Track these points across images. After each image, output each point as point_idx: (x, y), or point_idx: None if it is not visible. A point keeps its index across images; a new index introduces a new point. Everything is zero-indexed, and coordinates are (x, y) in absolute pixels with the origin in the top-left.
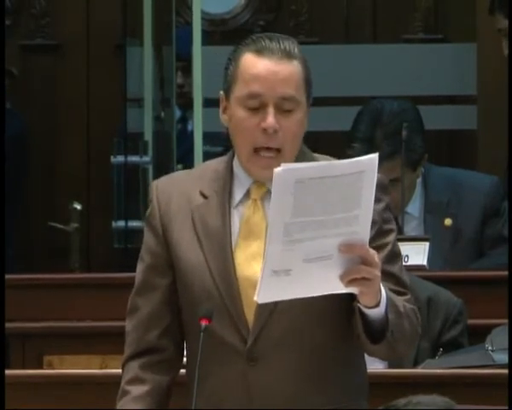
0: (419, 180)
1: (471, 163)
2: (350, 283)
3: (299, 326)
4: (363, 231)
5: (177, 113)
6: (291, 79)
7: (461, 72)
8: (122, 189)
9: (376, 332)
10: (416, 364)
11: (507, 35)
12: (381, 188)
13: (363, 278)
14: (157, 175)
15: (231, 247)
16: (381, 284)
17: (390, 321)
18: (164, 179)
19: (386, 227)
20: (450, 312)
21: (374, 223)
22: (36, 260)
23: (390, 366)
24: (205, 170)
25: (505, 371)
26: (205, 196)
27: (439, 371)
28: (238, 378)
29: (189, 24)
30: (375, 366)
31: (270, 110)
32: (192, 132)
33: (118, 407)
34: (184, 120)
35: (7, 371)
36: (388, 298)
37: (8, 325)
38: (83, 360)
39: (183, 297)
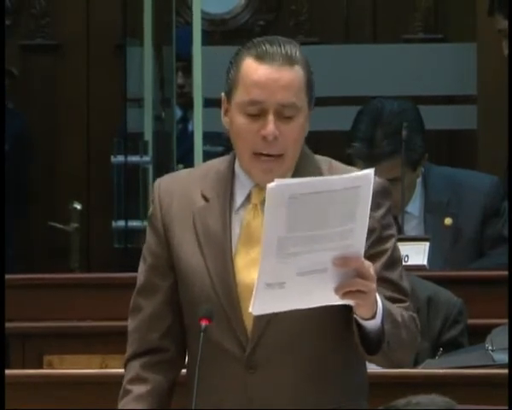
0: (419, 180)
1: (471, 163)
2: (345, 295)
3: (299, 333)
4: (357, 244)
5: (178, 113)
6: (292, 86)
7: (461, 72)
8: (122, 189)
9: (373, 343)
10: (416, 364)
11: (507, 36)
12: (382, 193)
13: (359, 291)
14: (157, 175)
15: (231, 252)
16: (378, 295)
17: (386, 332)
18: (166, 178)
19: (386, 233)
20: (450, 312)
21: (373, 230)
22: (36, 260)
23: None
24: (208, 170)
25: (505, 371)
26: (206, 199)
27: (439, 371)
28: (237, 386)
29: (189, 24)
30: (374, 365)
31: (270, 117)
32: (192, 132)
33: (119, 407)
34: (185, 120)
35: (7, 371)
36: (385, 309)
37: (8, 324)
38: (83, 360)
39: (184, 298)
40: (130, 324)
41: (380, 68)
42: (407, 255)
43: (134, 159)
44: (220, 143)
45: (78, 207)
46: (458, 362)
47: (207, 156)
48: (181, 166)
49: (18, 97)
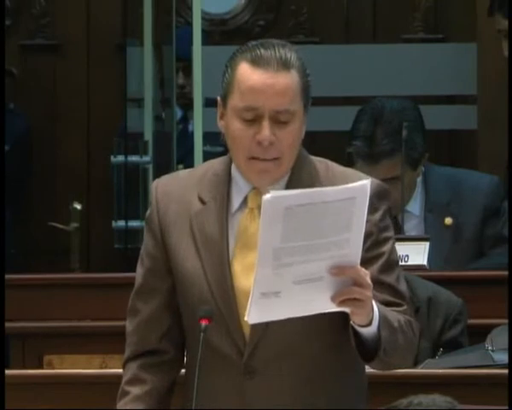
0: (419, 179)
1: (471, 163)
2: (341, 303)
3: (297, 338)
4: (354, 253)
5: (178, 113)
6: (287, 91)
7: (461, 72)
8: (122, 189)
9: (369, 350)
10: (416, 364)
11: (507, 36)
12: (379, 195)
13: (355, 299)
14: (157, 175)
15: (228, 256)
16: (374, 302)
17: (383, 338)
18: (164, 180)
19: (383, 236)
20: (450, 311)
21: (369, 234)
22: (36, 260)
23: None
24: (205, 171)
25: (505, 371)
26: (203, 202)
27: (439, 371)
28: (235, 392)
29: (189, 24)
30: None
31: (266, 123)
32: (192, 132)
33: (118, 408)
34: (185, 120)
35: (7, 371)
36: (381, 316)
37: (8, 324)
38: (83, 360)
39: (182, 300)
40: (128, 326)
41: (380, 68)
42: (407, 255)
43: (134, 159)
44: (220, 143)
45: (78, 207)
46: (458, 362)
47: (207, 156)
48: (181, 166)
49: (18, 97)
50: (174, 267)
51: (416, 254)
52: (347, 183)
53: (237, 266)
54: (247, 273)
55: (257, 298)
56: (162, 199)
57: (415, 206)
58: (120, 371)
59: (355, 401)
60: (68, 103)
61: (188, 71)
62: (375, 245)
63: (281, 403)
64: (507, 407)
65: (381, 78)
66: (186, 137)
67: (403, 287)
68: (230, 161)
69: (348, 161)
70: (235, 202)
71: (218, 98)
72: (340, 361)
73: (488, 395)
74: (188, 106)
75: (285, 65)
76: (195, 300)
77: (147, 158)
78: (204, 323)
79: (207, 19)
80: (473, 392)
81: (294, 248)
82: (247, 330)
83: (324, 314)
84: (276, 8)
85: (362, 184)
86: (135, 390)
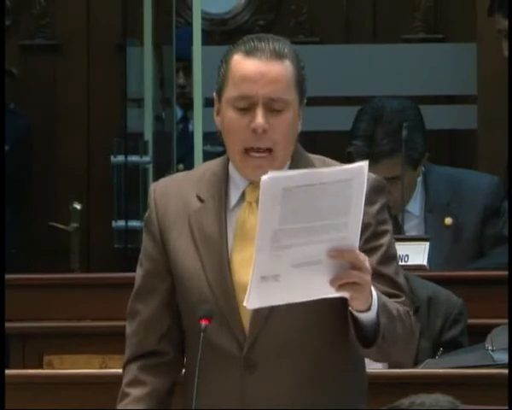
0: (420, 179)
1: (471, 163)
2: (340, 287)
3: (297, 332)
4: (352, 236)
5: (178, 113)
6: (280, 79)
7: (461, 72)
8: (122, 189)
9: (368, 336)
10: (416, 364)
11: (507, 36)
12: (376, 190)
13: (354, 283)
14: (157, 175)
15: (227, 252)
16: (373, 288)
17: (381, 325)
18: (162, 182)
19: (381, 229)
20: (450, 311)
21: (368, 226)
22: (36, 260)
23: (390, 366)
24: (203, 172)
25: (505, 371)
26: (201, 200)
27: (439, 370)
28: (235, 387)
29: (189, 24)
30: (375, 366)
31: (259, 111)
32: (192, 132)
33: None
34: (185, 120)
35: (7, 371)
36: (380, 302)
37: (8, 324)
38: (83, 360)
39: (182, 300)
40: (128, 327)
41: (380, 68)
42: (407, 255)
43: (134, 159)
44: (220, 143)
45: (78, 207)
46: (458, 362)
47: (207, 156)
48: (181, 166)
49: (18, 97)
50: (173, 267)
51: (416, 254)
52: None
53: (236, 261)
54: (246, 268)
55: (257, 282)
56: (161, 200)
57: (415, 206)
58: (120, 371)
59: (355, 400)
60: (68, 103)
61: (188, 71)
62: (373, 237)
63: (281, 402)
64: (507, 407)
65: (381, 78)
66: (186, 137)
67: (401, 279)
68: (227, 161)
69: (348, 161)
70: (233, 198)
71: (214, 94)
72: (340, 361)
73: (488, 395)
74: (188, 106)
75: (278, 55)
76: (195, 299)
77: (147, 158)
78: (204, 323)
79: (207, 19)
80: (473, 392)
81: (293, 230)
82: (246, 325)
83: (325, 308)
84: (276, 8)
85: (359, 166)
86: (135, 392)
